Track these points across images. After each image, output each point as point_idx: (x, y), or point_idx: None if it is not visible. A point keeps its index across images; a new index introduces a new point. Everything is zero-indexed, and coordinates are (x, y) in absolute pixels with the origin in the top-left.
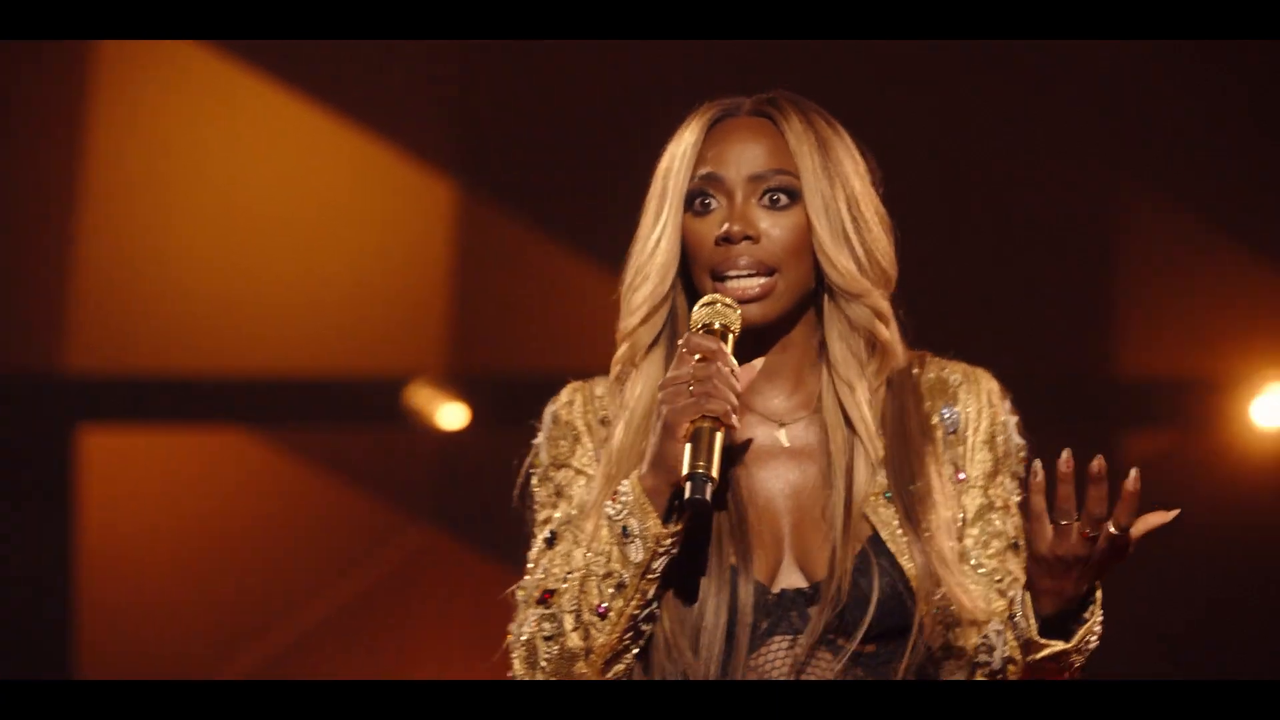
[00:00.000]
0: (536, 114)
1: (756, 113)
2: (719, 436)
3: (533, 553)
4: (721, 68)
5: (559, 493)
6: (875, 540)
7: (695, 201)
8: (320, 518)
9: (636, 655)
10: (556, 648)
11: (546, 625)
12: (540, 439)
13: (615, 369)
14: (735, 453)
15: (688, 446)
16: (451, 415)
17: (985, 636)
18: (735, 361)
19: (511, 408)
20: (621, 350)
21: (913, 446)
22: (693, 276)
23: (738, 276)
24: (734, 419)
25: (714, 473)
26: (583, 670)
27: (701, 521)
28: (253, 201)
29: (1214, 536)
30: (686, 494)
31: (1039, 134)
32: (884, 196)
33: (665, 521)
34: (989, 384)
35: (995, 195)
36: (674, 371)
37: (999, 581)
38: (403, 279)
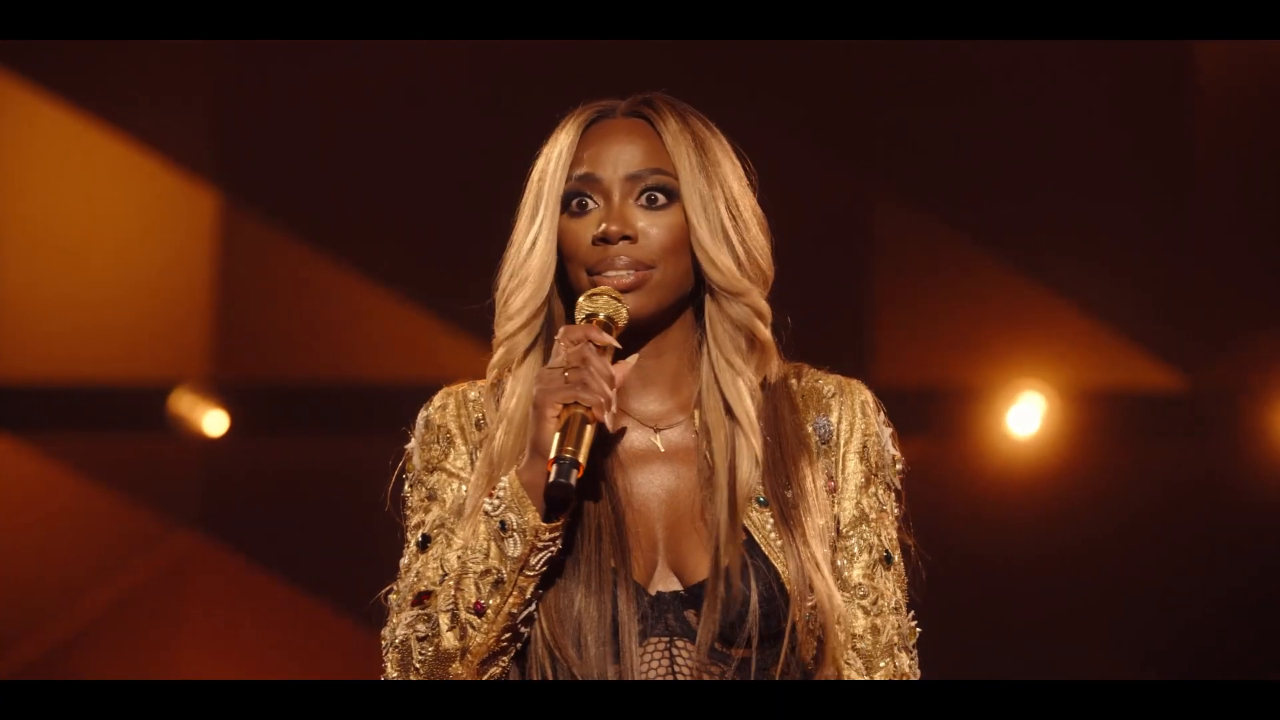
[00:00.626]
0: (299, 122)
1: (633, 114)
2: (589, 428)
3: (405, 557)
4: (490, 71)
5: (432, 496)
6: (750, 544)
7: (572, 202)
8: (84, 524)
9: (513, 658)
10: (431, 649)
11: (421, 626)
12: (413, 443)
13: (491, 374)
14: (611, 455)
15: (557, 434)
16: (214, 422)
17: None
18: (615, 346)
19: (272, 415)
20: (498, 355)
21: (787, 452)
22: (570, 277)
23: (614, 275)
24: (606, 413)
25: (581, 458)
26: (458, 670)
27: (577, 519)
28: (12, 208)
29: (969, 545)
30: (550, 478)
31: (793, 139)
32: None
33: (545, 517)
34: (862, 395)
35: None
36: (552, 361)
37: (863, 598)
38: (165, 287)
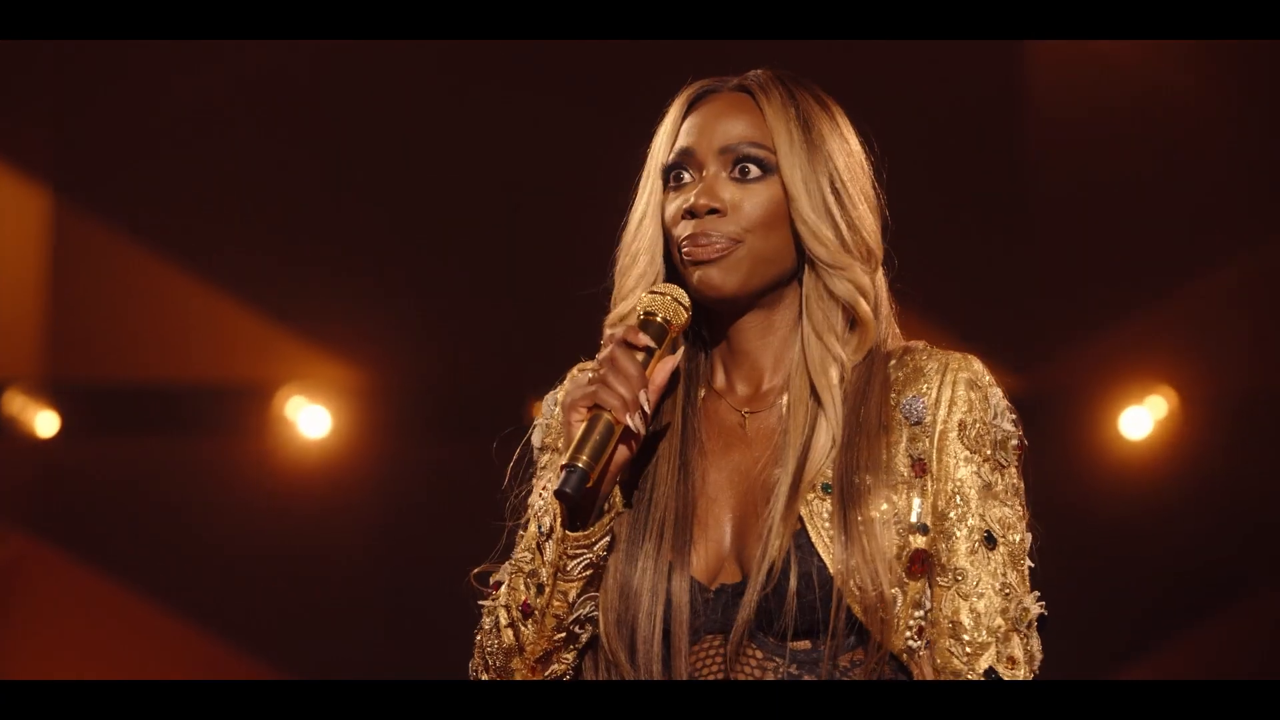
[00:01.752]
0: (133, 121)
1: (739, 89)
2: (612, 430)
3: (518, 536)
4: (332, 69)
5: (541, 478)
6: (801, 532)
7: (670, 177)
8: None
9: (580, 654)
10: (495, 642)
11: (487, 620)
12: (539, 420)
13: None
14: (695, 441)
15: (576, 436)
16: (45, 423)
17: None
18: (652, 348)
19: (104, 416)
20: (611, 334)
21: (867, 433)
22: (671, 253)
23: (700, 246)
24: (630, 415)
25: (589, 463)
26: (517, 666)
27: (645, 511)
28: None
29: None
30: (557, 484)
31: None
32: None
33: (569, 525)
34: (967, 371)
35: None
36: (598, 358)
37: (962, 583)
38: None
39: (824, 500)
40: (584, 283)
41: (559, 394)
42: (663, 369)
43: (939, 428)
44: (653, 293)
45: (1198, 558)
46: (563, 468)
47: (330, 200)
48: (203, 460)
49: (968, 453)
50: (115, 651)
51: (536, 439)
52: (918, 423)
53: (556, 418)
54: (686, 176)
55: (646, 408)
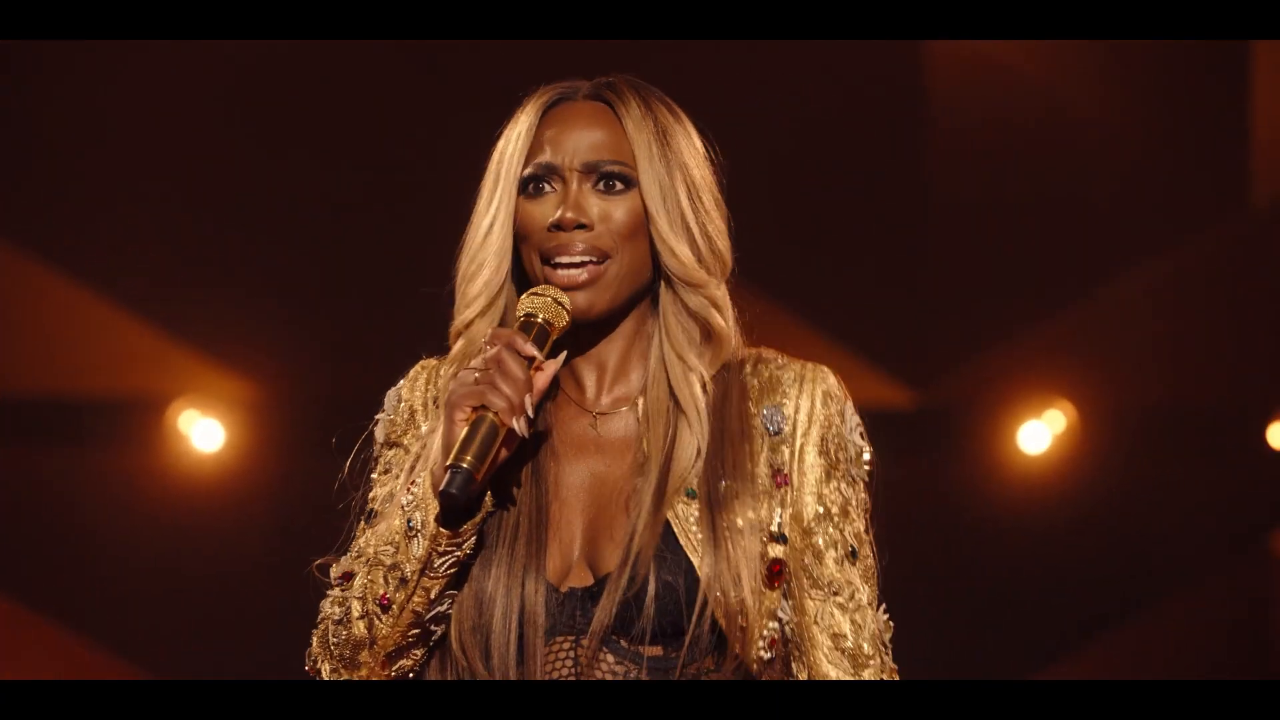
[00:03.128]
0: (22, 129)
1: (594, 97)
2: (497, 432)
3: (359, 530)
4: (238, 74)
5: (387, 470)
6: (668, 536)
7: (529, 185)
8: None
9: (429, 652)
10: (344, 633)
11: (337, 609)
12: (381, 415)
13: (451, 364)
14: (546, 443)
15: (461, 436)
16: None
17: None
18: (536, 357)
19: None
20: (458, 345)
21: (729, 441)
22: (524, 261)
23: (569, 264)
24: (516, 419)
25: (475, 464)
26: (365, 659)
27: (499, 512)
28: None
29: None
30: (441, 485)
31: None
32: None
33: (444, 523)
34: (824, 384)
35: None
36: (474, 361)
37: (838, 595)
38: None
39: (689, 506)
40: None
41: (402, 390)
42: (546, 373)
43: (799, 440)
44: (533, 294)
45: (1096, 572)
46: (447, 467)
47: (222, 212)
48: (94, 473)
49: (828, 466)
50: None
51: (380, 433)
52: (777, 433)
53: (399, 412)
54: (547, 187)
55: (530, 411)
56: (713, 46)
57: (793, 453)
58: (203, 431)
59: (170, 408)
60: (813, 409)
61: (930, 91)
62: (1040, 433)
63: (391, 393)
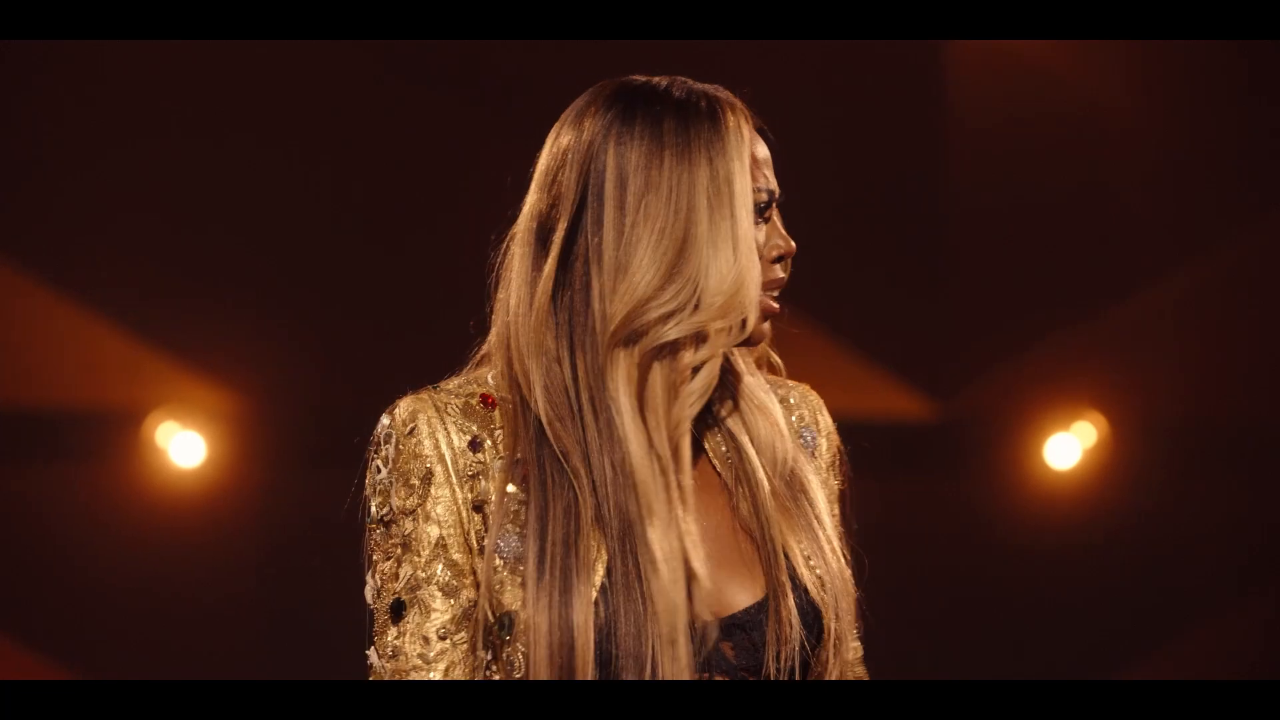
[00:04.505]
0: None
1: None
2: None
3: (375, 607)
4: (216, 79)
5: (405, 545)
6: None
7: (759, 210)
8: None
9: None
10: None
11: None
12: (381, 473)
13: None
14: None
15: None
16: None
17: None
18: None
19: None
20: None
21: (800, 461)
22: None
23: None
24: None
25: None
26: None
27: None
28: None
29: None
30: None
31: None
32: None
33: None
34: (819, 402)
35: None
36: None
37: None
38: None
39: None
40: (458, 306)
41: (401, 444)
42: None
43: (824, 459)
44: None
45: (1128, 592)
46: None
47: (203, 218)
48: (69, 488)
49: (840, 485)
50: None
51: (388, 501)
52: (813, 452)
53: (409, 472)
54: (767, 214)
55: None
56: (725, 47)
57: (819, 472)
58: (182, 445)
59: (148, 420)
60: (828, 427)
61: (951, 93)
62: (1069, 446)
63: (385, 448)
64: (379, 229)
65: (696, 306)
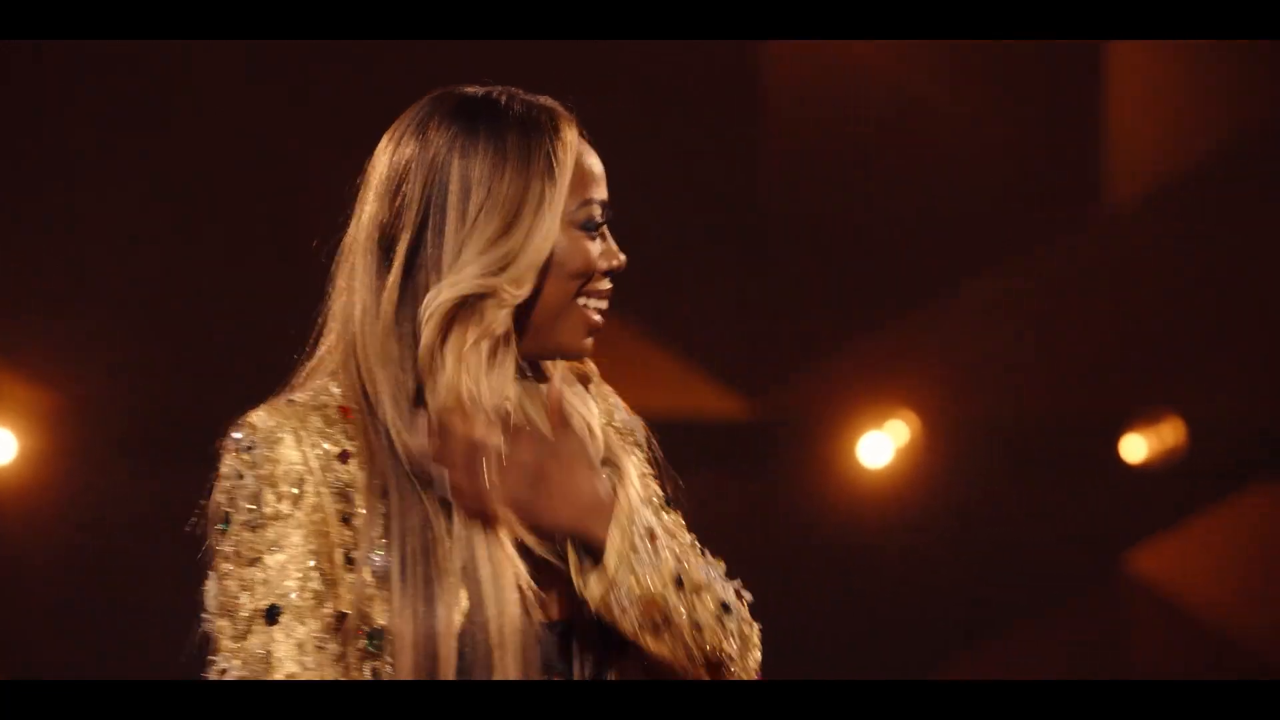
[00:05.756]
0: None
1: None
2: None
3: (234, 605)
4: (36, 68)
5: (277, 547)
6: None
7: (586, 219)
8: None
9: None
10: None
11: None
12: (240, 481)
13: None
14: None
15: None
16: None
17: None
18: None
19: None
20: (485, 325)
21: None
22: (550, 288)
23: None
24: None
25: None
26: None
27: None
28: None
29: None
30: None
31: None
32: None
33: None
34: (609, 388)
35: None
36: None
37: None
38: None
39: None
40: (289, 294)
41: (261, 454)
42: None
43: (641, 439)
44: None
45: (943, 591)
46: None
47: (13, 213)
48: None
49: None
50: None
51: (242, 509)
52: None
53: (281, 480)
54: (601, 224)
55: None
56: (539, 48)
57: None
58: None
59: None
60: (622, 404)
61: (766, 92)
62: (882, 444)
63: (246, 455)
64: (197, 224)
65: (498, 273)
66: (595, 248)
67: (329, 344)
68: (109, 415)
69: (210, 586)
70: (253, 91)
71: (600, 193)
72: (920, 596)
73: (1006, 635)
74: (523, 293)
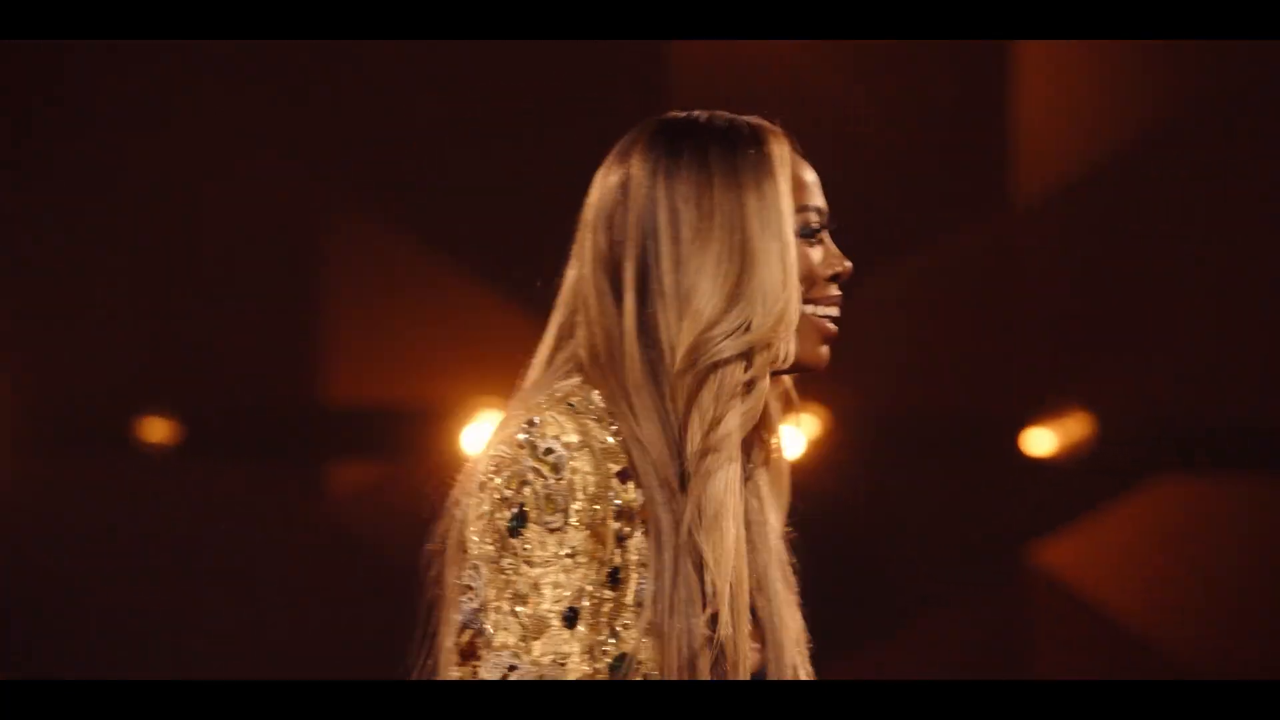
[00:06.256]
0: None
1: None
2: None
3: (520, 620)
4: None
5: (573, 555)
6: None
7: (803, 225)
8: None
9: None
10: None
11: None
12: (554, 479)
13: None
14: None
15: None
16: None
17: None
18: None
19: None
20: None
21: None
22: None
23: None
24: None
25: None
26: None
27: None
28: None
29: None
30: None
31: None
32: None
33: None
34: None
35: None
36: None
37: None
38: None
39: None
40: (199, 276)
41: (577, 460)
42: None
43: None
44: None
45: (841, 582)
46: None
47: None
48: None
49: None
50: None
51: (543, 505)
52: None
53: (591, 487)
54: (819, 233)
55: None
56: (534, 48)
57: None
58: None
59: None
60: None
61: (676, 91)
62: (789, 437)
63: (550, 456)
64: (91, 206)
65: (748, 329)
66: (816, 254)
67: (583, 353)
68: (19, 404)
69: (482, 575)
70: (252, 91)
71: (815, 199)
72: (814, 592)
73: (903, 633)
74: (774, 348)
